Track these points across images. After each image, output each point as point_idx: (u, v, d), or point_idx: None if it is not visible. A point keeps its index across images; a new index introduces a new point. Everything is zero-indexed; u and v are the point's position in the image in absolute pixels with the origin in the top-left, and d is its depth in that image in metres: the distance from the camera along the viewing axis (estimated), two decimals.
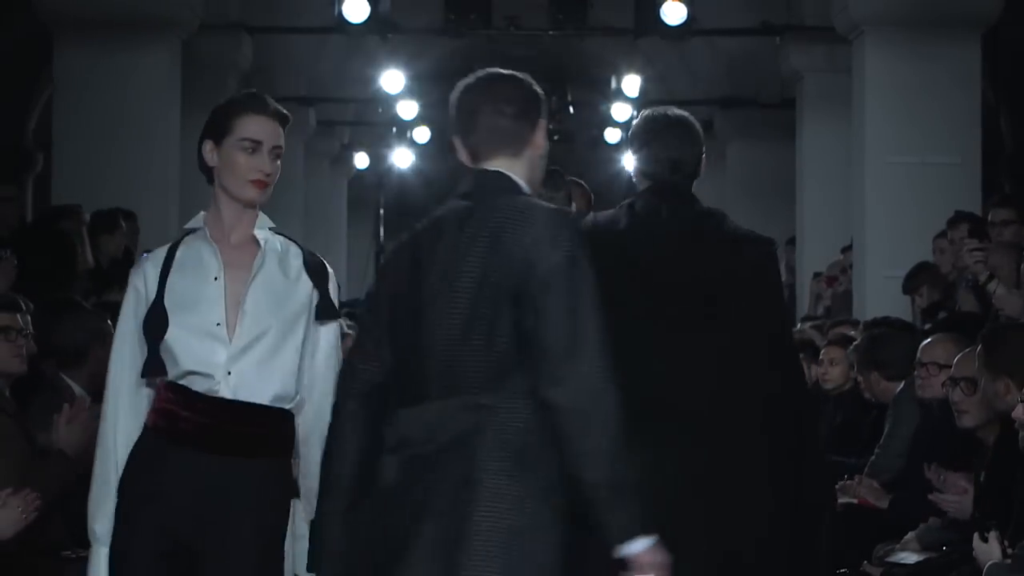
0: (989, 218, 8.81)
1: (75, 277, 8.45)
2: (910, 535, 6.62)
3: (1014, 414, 5.64)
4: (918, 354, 7.20)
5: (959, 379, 6.32)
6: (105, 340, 6.87)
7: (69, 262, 8.41)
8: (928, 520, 6.51)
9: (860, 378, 7.92)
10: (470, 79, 3.92)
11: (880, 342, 7.79)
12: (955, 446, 6.46)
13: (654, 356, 4.30)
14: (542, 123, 3.88)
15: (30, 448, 5.88)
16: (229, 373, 4.09)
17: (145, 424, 4.18)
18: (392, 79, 18.69)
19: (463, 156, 3.88)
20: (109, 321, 7.04)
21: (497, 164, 3.80)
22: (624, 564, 3.58)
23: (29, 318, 6.59)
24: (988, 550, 5.63)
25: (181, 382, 4.12)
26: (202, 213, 4.32)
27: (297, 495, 4.22)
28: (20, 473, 5.61)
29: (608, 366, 3.57)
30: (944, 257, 9.47)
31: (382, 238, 25.50)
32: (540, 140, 3.86)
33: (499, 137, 3.81)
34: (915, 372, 7.25)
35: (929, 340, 7.25)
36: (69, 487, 5.97)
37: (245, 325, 4.13)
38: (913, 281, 9.57)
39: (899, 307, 9.68)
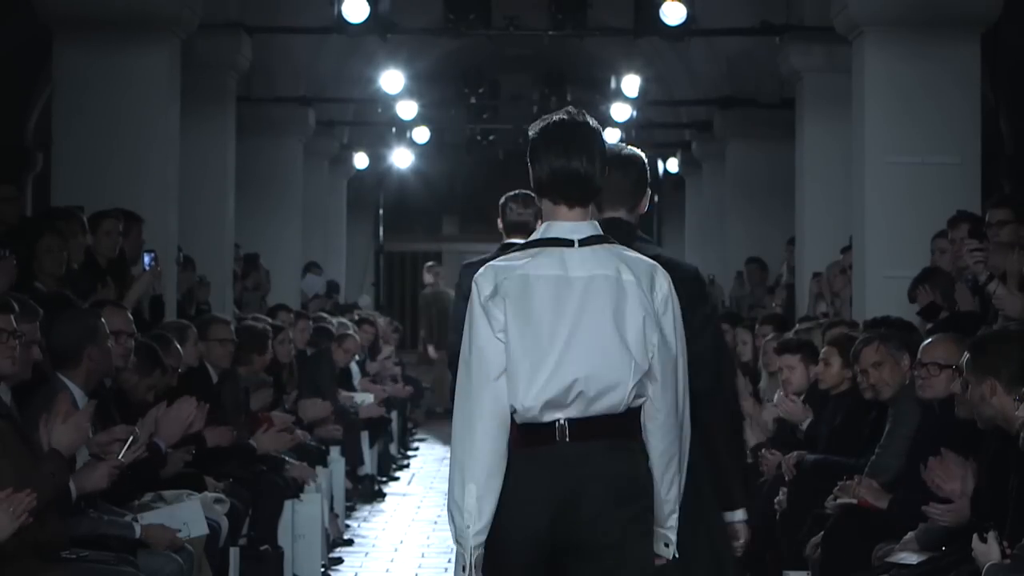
0: (987, 218, 8.79)
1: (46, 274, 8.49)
2: (910, 535, 6.60)
3: (1017, 412, 5.65)
4: (918, 354, 7.20)
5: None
6: (99, 339, 6.90)
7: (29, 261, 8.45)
8: (927, 521, 6.46)
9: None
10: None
11: None
12: (955, 446, 6.42)
13: None
14: (648, 192, 5.07)
15: (27, 449, 5.86)
16: None
17: None
18: (391, 79, 18.68)
19: None
20: (103, 319, 7.07)
21: (617, 214, 4.96)
22: None
23: (38, 324, 6.58)
24: (987, 551, 5.63)
25: None
26: None
27: None
28: (18, 475, 5.59)
29: None
30: (944, 257, 9.44)
31: (381, 238, 25.49)
32: (645, 204, 5.04)
33: (619, 195, 4.94)
34: (915, 372, 7.26)
35: (929, 340, 7.24)
36: (63, 488, 5.97)
37: None
38: (913, 289, 9.47)
39: (899, 307, 9.65)
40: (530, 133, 4.50)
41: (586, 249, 4.40)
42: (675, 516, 4.41)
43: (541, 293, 4.34)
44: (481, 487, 4.26)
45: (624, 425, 4.35)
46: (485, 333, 4.33)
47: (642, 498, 4.37)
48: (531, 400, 4.29)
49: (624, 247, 4.46)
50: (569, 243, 4.40)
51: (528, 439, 4.32)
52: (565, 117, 4.46)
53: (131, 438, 6.51)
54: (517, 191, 6.92)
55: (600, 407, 4.32)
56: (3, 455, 5.67)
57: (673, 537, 4.41)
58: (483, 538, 4.27)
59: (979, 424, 6.13)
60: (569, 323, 4.32)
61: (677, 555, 4.41)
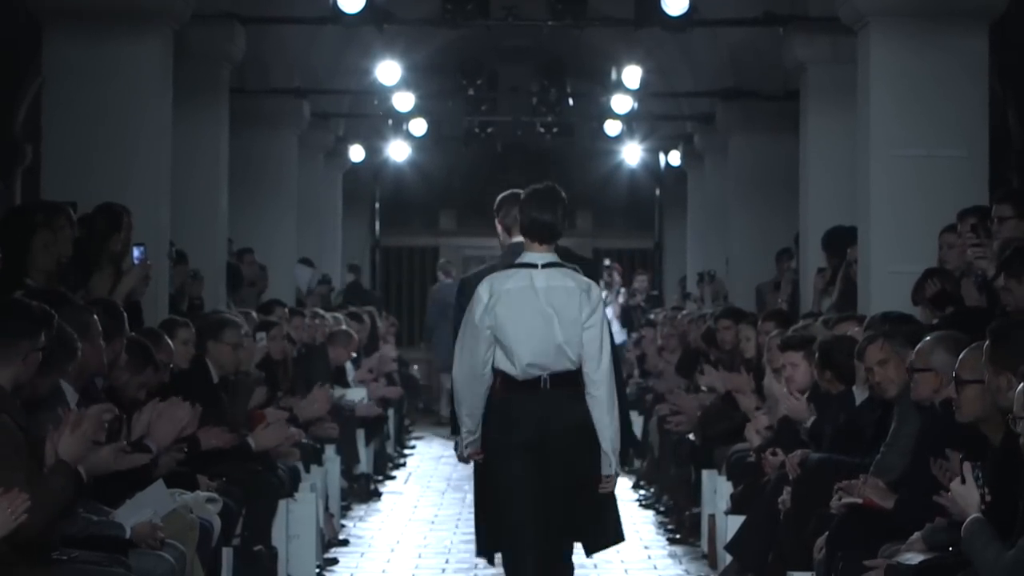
0: (992, 213, 8.70)
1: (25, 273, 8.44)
2: (916, 535, 6.55)
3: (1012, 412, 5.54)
4: (912, 357, 7.15)
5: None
6: (91, 336, 6.79)
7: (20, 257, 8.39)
8: (934, 520, 6.42)
9: None
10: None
11: None
12: (961, 445, 6.36)
13: None
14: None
15: (34, 462, 5.80)
16: None
17: None
18: (388, 70, 18.59)
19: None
20: (95, 316, 6.95)
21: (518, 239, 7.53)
22: None
23: None
24: (966, 493, 5.62)
25: None
26: None
27: None
28: (30, 485, 5.52)
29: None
30: (953, 252, 9.37)
31: (377, 232, 25.39)
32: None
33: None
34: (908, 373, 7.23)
35: (927, 339, 7.20)
36: (72, 498, 5.87)
37: None
38: (918, 292, 9.34)
39: (905, 302, 9.56)
40: (522, 197, 7.27)
41: (545, 271, 7.13)
42: (611, 441, 7.07)
43: (517, 300, 7.08)
44: (471, 408, 7.16)
45: (575, 379, 7.14)
46: (481, 328, 7.10)
47: (589, 424, 7.10)
48: (520, 367, 7.09)
49: (570, 269, 7.18)
50: (535, 266, 7.13)
51: (523, 388, 7.12)
52: (541, 187, 7.20)
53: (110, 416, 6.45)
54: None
55: (560, 368, 7.11)
56: (15, 466, 5.59)
57: (614, 459, 7.10)
58: (475, 437, 7.17)
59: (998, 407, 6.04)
60: (537, 317, 7.07)
61: (619, 472, 7.24)
